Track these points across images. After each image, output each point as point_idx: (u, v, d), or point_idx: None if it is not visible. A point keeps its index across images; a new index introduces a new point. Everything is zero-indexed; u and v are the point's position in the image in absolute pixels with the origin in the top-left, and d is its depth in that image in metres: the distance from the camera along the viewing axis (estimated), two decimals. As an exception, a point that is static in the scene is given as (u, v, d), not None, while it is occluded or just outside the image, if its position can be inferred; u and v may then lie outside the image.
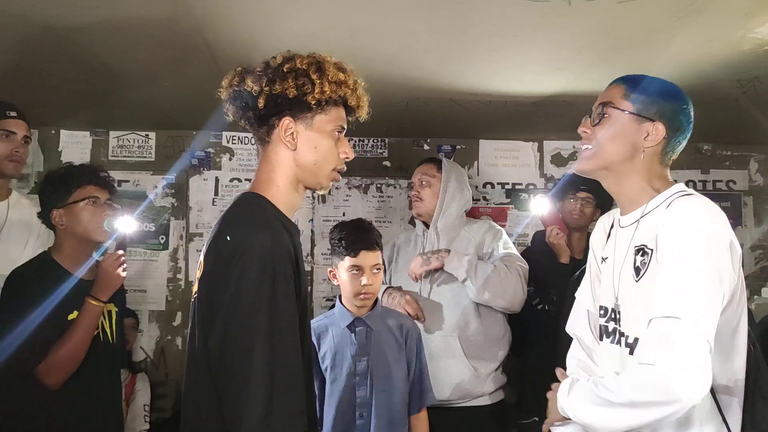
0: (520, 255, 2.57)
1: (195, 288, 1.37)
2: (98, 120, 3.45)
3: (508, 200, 3.73)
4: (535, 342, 2.73)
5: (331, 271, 2.20)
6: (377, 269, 2.12)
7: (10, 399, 1.88)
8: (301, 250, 1.39)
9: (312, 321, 2.21)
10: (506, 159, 3.77)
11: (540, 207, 2.94)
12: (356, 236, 2.11)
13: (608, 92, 1.46)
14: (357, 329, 2.11)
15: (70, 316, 1.91)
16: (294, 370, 1.23)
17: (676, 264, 1.23)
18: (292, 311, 1.24)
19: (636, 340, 1.33)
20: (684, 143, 1.45)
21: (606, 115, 1.41)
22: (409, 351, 2.16)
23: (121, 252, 2.02)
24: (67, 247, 2.02)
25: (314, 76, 1.36)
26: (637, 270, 1.35)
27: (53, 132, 3.54)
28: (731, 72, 2.47)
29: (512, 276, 2.40)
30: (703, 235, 1.25)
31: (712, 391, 1.26)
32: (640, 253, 1.35)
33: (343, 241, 2.11)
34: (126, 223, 2.08)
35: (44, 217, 2.05)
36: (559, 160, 3.77)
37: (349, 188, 3.66)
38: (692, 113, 1.44)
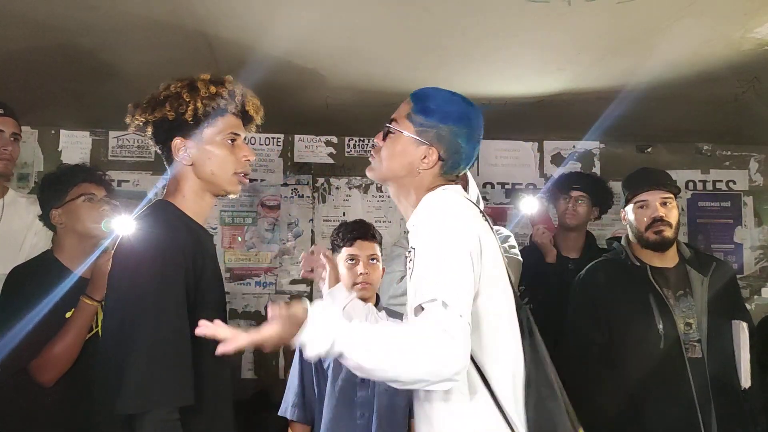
0: (516, 255, 2.57)
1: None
2: (98, 120, 3.45)
3: (508, 200, 3.73)
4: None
5: None
6: (374, 259, 2.12)
7: (7, 397, 1.88)
8: (209, 249, 1.52)
9: None
10: (506, 159, 3.77)
11: (528, 206, 2.94)
12: (353, 227, 2.16)
13: (400, 108, 1.53)
14: None
15: (68, 314, 1.92)
16: (177, 345, 1.32)
17: (424, 253, 1.30)
18: (176, 297, 1.35)
19: None
20: (466, 162, 1.49)
21: (391, 133, 1.49)
22: None
23: None
24: (68, 245, 2.04)
25: (186, 96, 1.47)
26: (411, 271, 1.40)
27: (53, 132, 3.54)
28: (731, 72, 2.47)
29: None
30: (440, 218, 1.33)
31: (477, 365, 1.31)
32: (410, 255, 1.41)
33: (340, 234, 2.16)
34: (123, 223, 2.08)
35: (44, 218, 2.07)
36: (559, 160, 3.77)
37: (349, 188, 3.66)
38: (477, 132, 1.48)
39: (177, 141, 1.50)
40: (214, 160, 1.51)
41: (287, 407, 2.14)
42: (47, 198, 2.05)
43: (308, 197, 3.65)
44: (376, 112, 3.27)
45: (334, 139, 3.65)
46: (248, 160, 1.55)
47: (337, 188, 3.66)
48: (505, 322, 1.38)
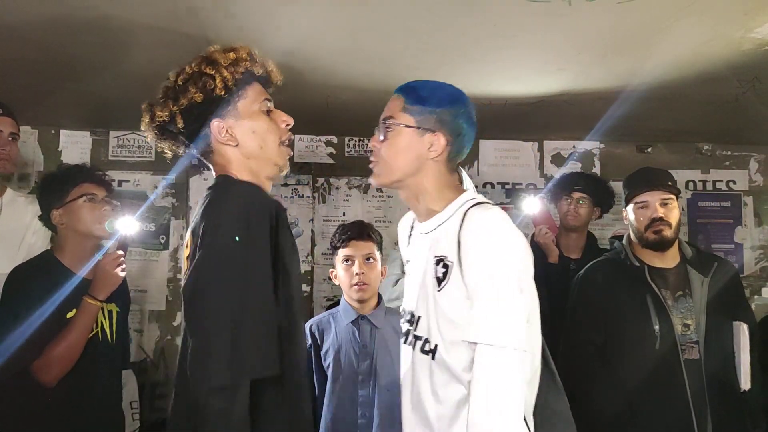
0: None
1: (184, 267, 1.35)
2: (98, 120, 3.45)
3: (508, 200, 3.73)
4: None
5: (332, 272, 2.21)
6: (370, 259, 2.11)
7: (9, 398, 1.88)
8: (284, 220, 1.37)
9: (315, 318, 2.22)
10: (506, 159, 3.77)
11: (531, 206, 2.95)
12: (348, 228, 2.15)
13: (390, 105, 1.46)
14: (361, 327, 2.11)
15: (69, 315, 1.92)
16: (266, 309, 1.22)
17: (487, 284, 1.28)
18: (265, 257, 1.24)
19: (437, 346, 1.37)
20: (468, 145, 1.46)
21: (389, 130, 1.42)
22: None
23: (120, 252, 2.02)
24: (69, 246, 2.03)
25: (209, 70, 1.34)
26: (439, 280, 1.37)
27: (53, 132, 3.54)
28: (731, 72, 2.47)
29: None
30: (506, 247, 1.30)
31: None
32: (441, 264, 1.37)
33: (336, 235, 2.16)
34: (127, 224, 2.08)
35: (44, 218, 2.06)
36: (559, 160, 3.77)
37: (349, 188, 3.66)
38: (473, 113, 1.45)
39: (216, 123, 1.36)
40: (259, 131, 1.38)
41: None
42: (48, 198, 2.05)
43: (308, 197, 3.65)
44: (377, 112, 3.27)
45: (334, 139, 3.65)
46: (289, 125, 1.44)
47: (337, 188, 3.66)
48: (535, 347, 1.37)
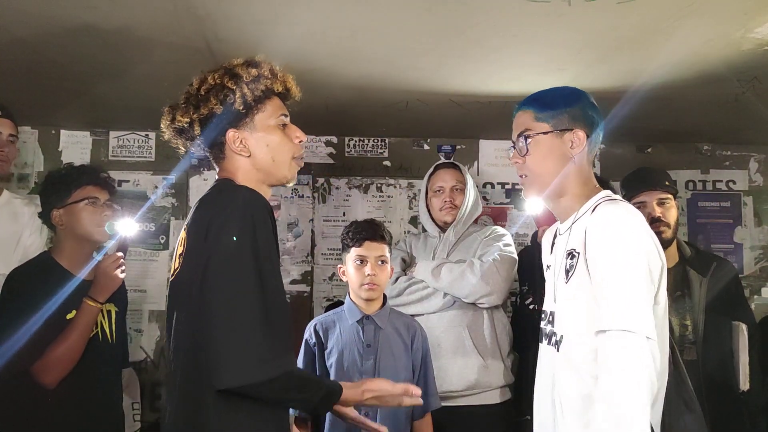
0: (511, 253, 2.57)
1: (175, 265, 1.40)
2: (98, 120, 3.45)
3: (508, 200, 3.73)
4: (532, 342, 2.73)
5: (340, 268, 2.22)
6: (382, 261, 2.13)
7: (9, 399, 1.88)
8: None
9: (319, 317, 2.23)
10: (506, 159, 3.75)
11: (533, 207, 2.95)
12: (362, 228, 2.16)
13: (520, 122, 1.55)
14: (366, 326, 2.12)
15: (69, 316, 1.92)
16: (282, 308, 1.28)
17: (614, 272, 1.31)
18: (274, 254, 1.30)
19: (562, 337, 1.41)
20: (602, 132, 1.54)
21: (530, 142, 1.50)
22: (415, 353, 2.16)
23: (120, 254, 2.02)
24: (67, 247, 2.03)
25: (230, 84, 1.40)
26: (567, 272, 1.44)
27: (53, 132, 3.54)
28: (731, 72, 2.46)
29: (485, 271, 2.40)
30: (630, 237, 1.33)
31: None
32: (569, 256, 1.44)
33: (349, 234, 2.17)
34: (127, 226, 2.08)
35: (44, 217, 2.06)
36: (559, 160, 3.77)
37: (350, 188, 3.66)
38: (592, 102, 1.54)
39: (231, 133, 1.42)
40: (272, 145, 1.44)
41: None
42: (50, 197, 2.04)
43: (308, 197, 3.65)
44: (376, 113, 3.29)
45: (334, 139, 3.65)
46: (301, 141, 1.49)
47: (337, 188, 3.66)
48: (663, 340, 1.39)
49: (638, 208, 2.20)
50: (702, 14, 1.97)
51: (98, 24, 2.07)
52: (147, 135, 3.60)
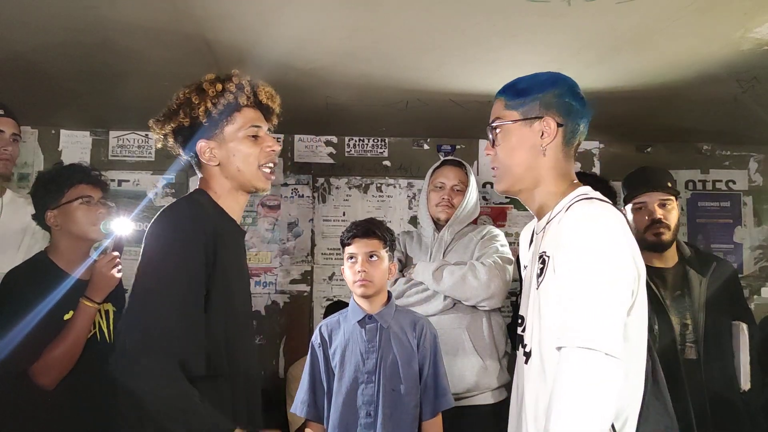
0: (508, 254, 2.57)
1: None
2: (98, 120, 3.45)
3: (508, 200, 3.73)
4: None
5: (342, 269, 2.22)
6: (374, 256, 2.12)
7: (6, 399, 1.88)
8: (235, 243, 1.57)
9: (326, 319, 2.23)
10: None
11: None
12: (353, 226, 2.17)
13: (493, 110, 1.46)
14: (368, 326, 2.11)
15: (66, 316, 1.91)
16: (190, 310, 1.37)
17: (578, 281, 1.18)
18: (196, 267, 1.40)
19: (531, 350, 1.31)
20: (583, 122, 1.41)
21: (498, 132, 1.41)
22: (422, 352, 2.12)
23: (116, 253, 2.02)
24: (63, 247, 2.02)
25: (195, 99, 1.51)
26: (537, 277, 1.32)
27: (53, 132, 3.54)
28: (730, 72, 2.46)
29: (487, 275, 2.40)
30: (601, 243, 1.20)
31: None
32: (540, 260, 1.32)
33: (344, 233, 2.19)
34: (123, 225, 2.07)
35: (39, 218, 2.05)
36: (558, 160, 3.77)
37: (349, 188, 3.66)
38: (577, 89, 1.41)
39: (201, 144, 1.54)
40: (238, 156, 1.54)
41: (297, 404, 2.14)
42: (43, 198, 2.03)
43: (308, 197, 3.65)
44: (376, 112, 3.29)
45: (334, 139, 3.65)
46: (273, 151, 1.58)
47: (337, 188, 3.66)
48: (639, 355, 1.29)
49: (639, 208, 2.21)
50: (702, 14, 1.97)
51: (98, 24, 2.07)
52: (147, 135, 3.60)
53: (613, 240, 1.21)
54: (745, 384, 2.10)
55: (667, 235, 2.16)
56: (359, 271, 2.09)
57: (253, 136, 1.56)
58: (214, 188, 1.56)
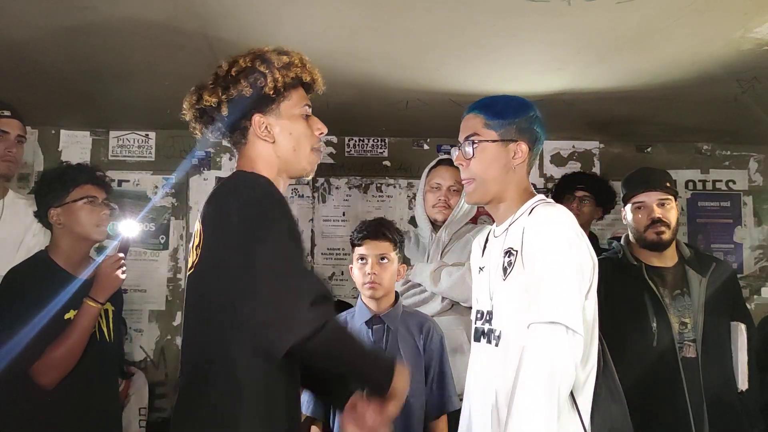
0: None
1: (192, 258, 1.38)
2: (98, 120, 3.45)
3: (508, 200, 3.73)
4: None
5: (351, 267, 2.22)
6: (384, 259, 2.11)
7: (7, 399, 1.87)
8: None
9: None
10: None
11: None
12: (365, 227, 2.15)
13: (470, 124, 1.59)
14: (375, 326, 2.11)
15: (67, 315, 1.91)
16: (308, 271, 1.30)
17: (546, 268, 1.39)
18: (296, 229, 1.33)
19: (501, 333, 1.48)
20: (541, 146, 1.62)
21: (476, 147, 1.55)
22: (428, 353, 2.12)
23: (121, 254, 2.02)
24: (65, 246, 2.02)
25: (262, 68, 1.39)
26: (505, 270, 1.50)
27: (53, 132, 3.54)
28: (730, 72, 2.47)
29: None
30: (564, 236, 1.41)
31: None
32: (507, 254, 1.50)
33: (354, 233, 2.17)
34: (129, 227, 2.08)
35: (41, 216, 2.05)
36: (558, 160, 3.77)
37: (349, 188, 3.67)
38: (539, 116, 1.59)
39: (257, 118, 1.41)
40: (295, 134, 1.46)
41: (302, 401, 2.13)
42: (47, 196, 2.03)
43: (308, 197, 3.65)
44: (377, 112, 3.29)
45: (334, 139, 3.65)
46: (322, 133, 1.53)
47: (337, 188, 3.66)
48: (593, 333, 1.46)
49: (638, 208, 2.21)
50: (701, 14, 1.97)
51: (98, 24, 2.07)
52: (147, 135, 3.60)
53: (575, 234, 1.42)
54: (743, 384, 2.10)
55: (666, 234, 2.17)
56: (369, 273, 2.08)
57: (305, 116, 1.49)
58: (260, 170, 1.43)
